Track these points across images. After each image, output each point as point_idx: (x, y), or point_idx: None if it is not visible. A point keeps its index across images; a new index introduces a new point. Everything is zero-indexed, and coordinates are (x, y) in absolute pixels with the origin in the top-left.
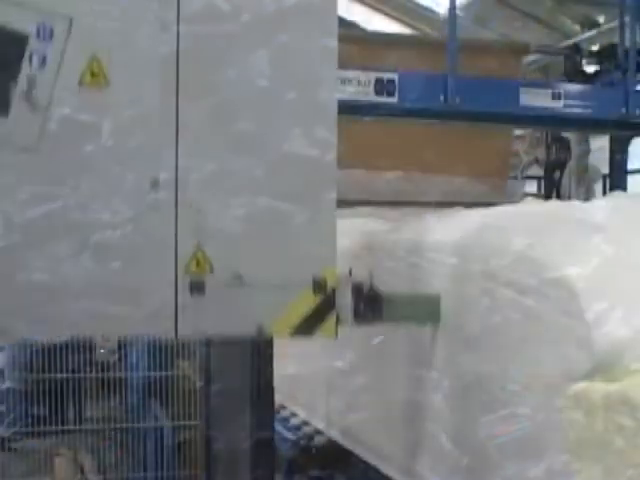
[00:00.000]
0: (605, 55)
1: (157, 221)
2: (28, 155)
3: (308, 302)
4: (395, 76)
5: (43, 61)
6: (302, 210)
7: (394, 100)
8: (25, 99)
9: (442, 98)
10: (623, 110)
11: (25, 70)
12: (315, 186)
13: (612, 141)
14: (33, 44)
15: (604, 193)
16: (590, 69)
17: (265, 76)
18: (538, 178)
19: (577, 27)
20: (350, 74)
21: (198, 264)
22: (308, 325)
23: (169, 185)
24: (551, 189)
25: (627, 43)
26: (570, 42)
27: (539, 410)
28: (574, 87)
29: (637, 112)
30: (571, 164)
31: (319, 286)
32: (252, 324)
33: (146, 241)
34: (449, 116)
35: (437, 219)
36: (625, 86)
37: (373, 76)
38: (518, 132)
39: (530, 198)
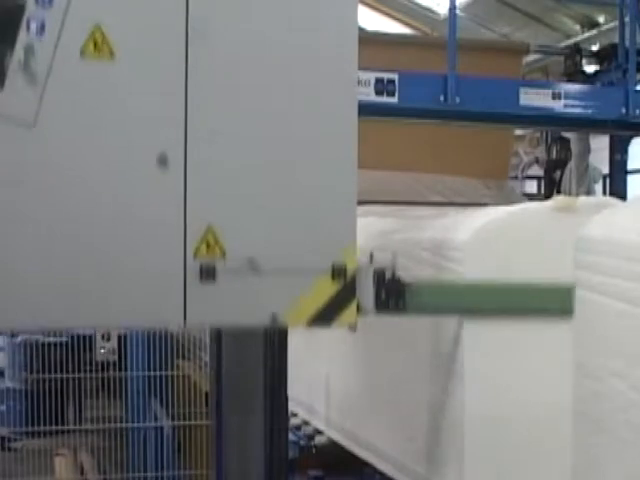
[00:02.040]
0: (605, 55)
1: (164, 201)
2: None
3: (326, 289)
4: (395, 76)
5: (42, 29)
6: (320, 188)
7: (394, 100)
8: (22, 70)
9: (442, 98)
10: (623, 110)
11: (22, 39)
12: (333, 157)
13: (612, 141)
14: (31, 10)
15: (604, 193)
16: (590, 69)
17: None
18: (538, 178)
19: (577, 27)
20: None
21: (209, 247)
22: (326, 315)
23: (177, 162)
24: (551, 189)
25: (627, 43)
26: (570, 42)
27: None
28: (574, 87)
29: (637, 112)
30: (571, 164)
31: (338, 272)
32: (266, 313)
33: (151, 222)
34: (449, 116)
35: (460, 217)
36: (625, 86)
37: (373, 76)
38: (518, 132)
39: (561, 196)
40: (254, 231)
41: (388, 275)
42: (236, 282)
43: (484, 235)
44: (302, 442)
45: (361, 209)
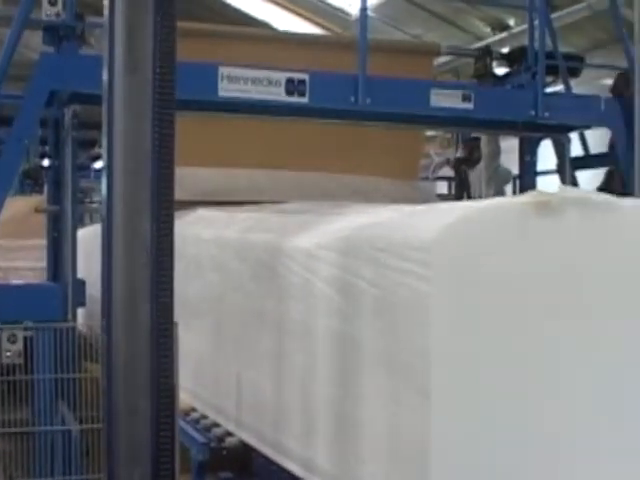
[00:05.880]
0: (515, 57)
1: None
2: None
3: None
4: (306, 76)
5: None
6: None
7: (305, 100)
8: None
9: (353, 99)
10: (532, 112)
11: None
12: None
13: (522, 143)
14: None
15: (514, 194)
16: (500, 71)
17: None
18: (449, 179)
19: (488, 29)
20: (261, 74)
21: None
22: None
23: None
24: (462, 190)
25: (536, 46)
26: (481, 44)
27: None
28: (484, 89)
29: (546, 114)
30: (481, 165)
31: None
32: None
33: None
34: (360, 117)
35: (415, 214)
36: (534, 88)
37: (284, 76)
38: (430, 133)
39: (538, 191)
40: None
41: None
42: None
43: (454, 234)
44: (212, 444)
45: (294, 206)
